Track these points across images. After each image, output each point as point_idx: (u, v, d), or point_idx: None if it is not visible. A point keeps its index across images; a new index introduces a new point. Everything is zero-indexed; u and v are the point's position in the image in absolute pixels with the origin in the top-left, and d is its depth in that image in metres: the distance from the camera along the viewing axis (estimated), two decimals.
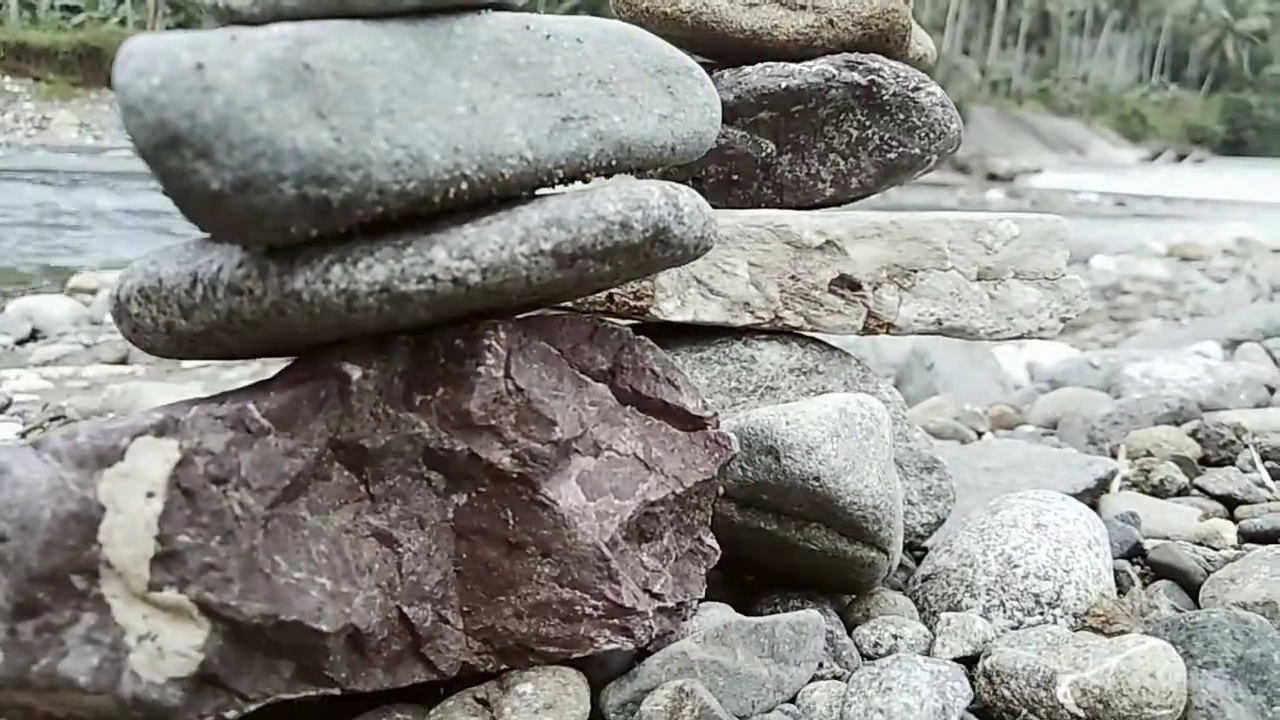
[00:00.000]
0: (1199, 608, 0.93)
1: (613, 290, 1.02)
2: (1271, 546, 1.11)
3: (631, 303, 1.03)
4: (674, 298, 1.03)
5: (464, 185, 0.55)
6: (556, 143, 0.60)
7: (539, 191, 0.65)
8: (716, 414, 0.72)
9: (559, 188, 0.66)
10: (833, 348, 1.09)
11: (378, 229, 0.56)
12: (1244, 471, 1.37)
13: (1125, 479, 1.35)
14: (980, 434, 1.83)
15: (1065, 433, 1.63)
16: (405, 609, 0.65)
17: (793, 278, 1.02)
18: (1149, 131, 38.68)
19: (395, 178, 0.52)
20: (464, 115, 0.55)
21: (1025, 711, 0.70)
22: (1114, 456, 1.47)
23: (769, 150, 1.04)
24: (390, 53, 0.53)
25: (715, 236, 0.69)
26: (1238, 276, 6.98)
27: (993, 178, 26.63)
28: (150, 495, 0.54)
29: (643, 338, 0.73)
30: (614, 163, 0.64)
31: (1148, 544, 1.08)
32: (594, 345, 0.71)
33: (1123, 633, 0.83)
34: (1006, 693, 0.71)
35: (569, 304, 1.02)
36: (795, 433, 0.75)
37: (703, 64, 1.12)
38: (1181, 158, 34.80)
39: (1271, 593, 0.87)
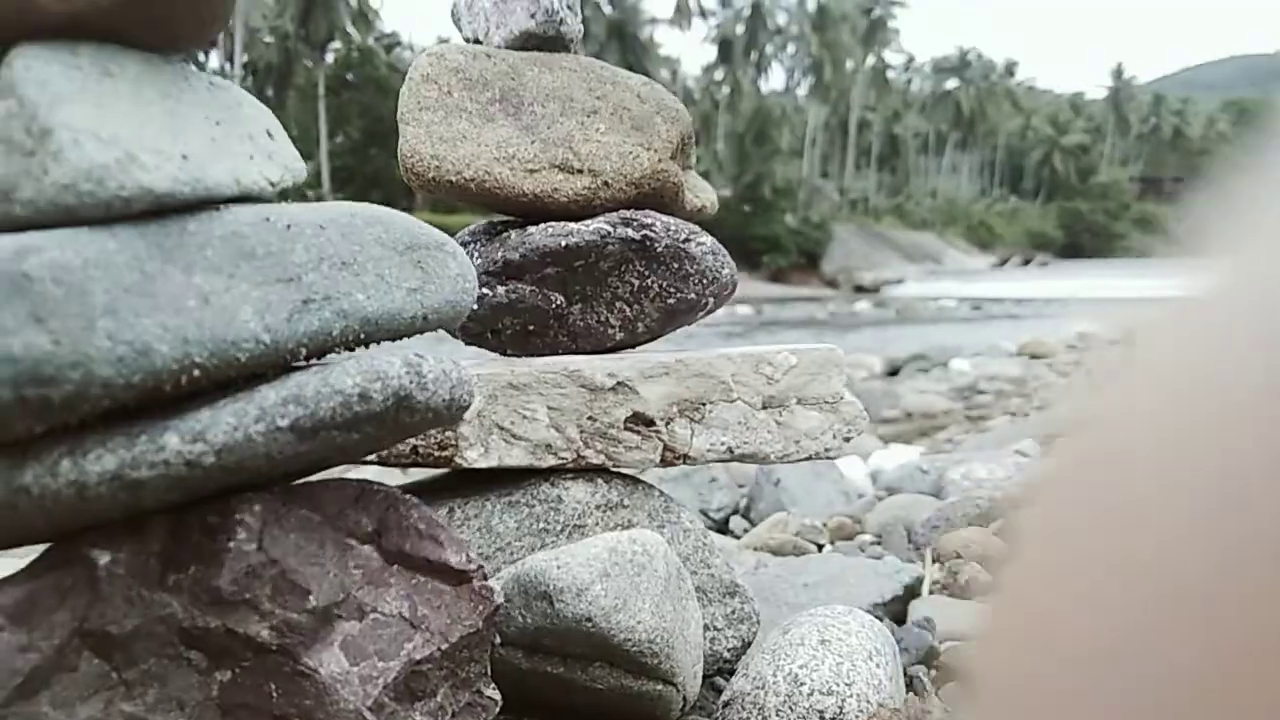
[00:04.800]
0: None
1: (415, 443, 1.06)
2: None
3: (436, 453, 1.06)
4: (477, 445, 1.06)
5: (197, 373, 0.58)
6: (297, 324, 0.64)
7: (295, 365, 0.68)
8: (481, 567, 0.75)
9: (315, 361, 0.69)
10: (637, 481, 1.14)
11: (114, 419, 0.59)
12: None
13: (935, 582, 1.43)
14: (820, 547, 1.90)
15: (889, 540, 1.72)
16: None
17: (590, 418, 1.07)
18: (996, 239, 41.65)
19: (119, 372, 0.55)
20: (195, 308, 0.59)
21: None
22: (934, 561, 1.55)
23: (559, 302, 1.10)
24: (116, 255, 0.56)
25: (470, 396, 0.73)
26: (1079, 370, 7.44)
27: (859, 289, 28.10)
28: None
29: (409, 497, 0.76)
30: (361, 336, 0.69)
31: (943, 646, 1.14)
32: (359, 508, 0.73)
33: None
34: None
35: (376, 459, 1.05)
36: (565, 576, 0.79)
37: (500, 221, 1.19)
38: (1027, 262, 37.49)
39: None
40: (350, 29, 29.56)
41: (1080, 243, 44.92)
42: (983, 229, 42.26)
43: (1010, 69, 54.05)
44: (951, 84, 50.58)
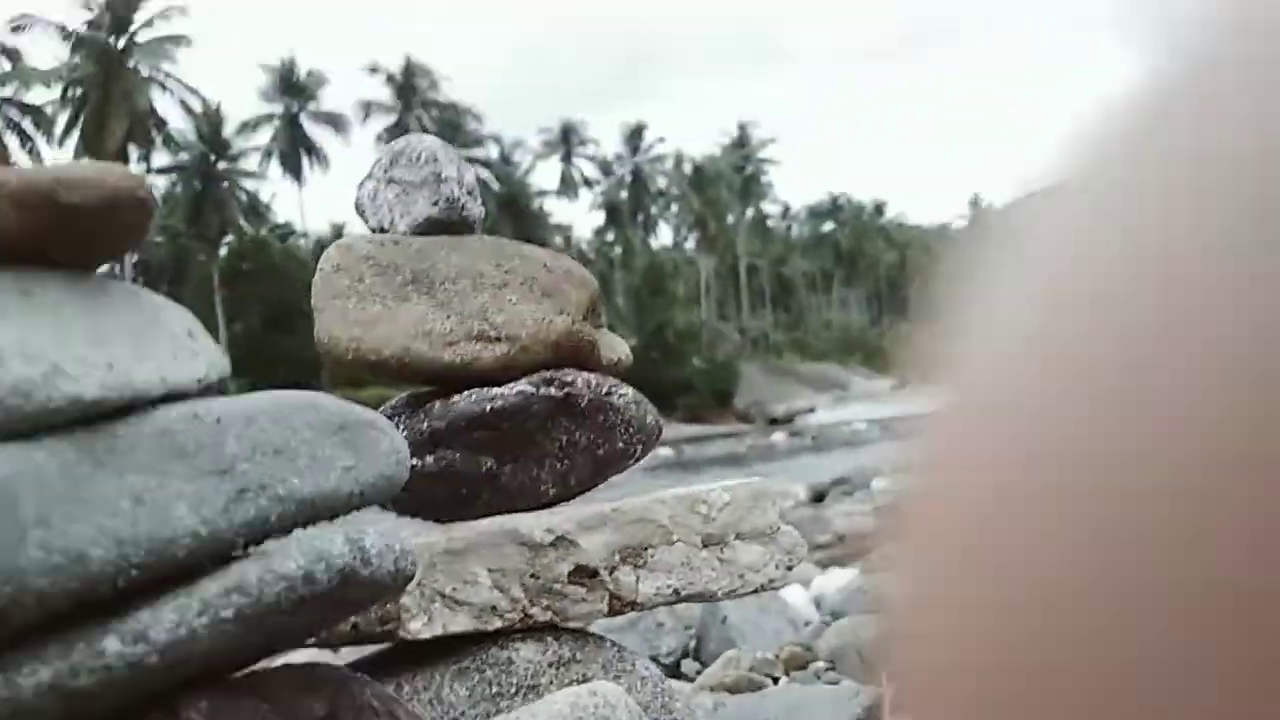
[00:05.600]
0: None
1: (355, 620, 1.03)
2: None
3: (378, 628, 1.04)
4: (420, 615, 1.04)
5: (135, 573, 0.58)
6: (234, 514, 0.64)
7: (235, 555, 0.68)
8: None
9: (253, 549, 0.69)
10: (587, 634, 1.13)
11: (51, 627, 0.57)
12: None
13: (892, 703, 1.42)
14: (776, 680, 1.87)
15: (843, 664, 1.71)
16: None
17: (533, 575, 1.07)
18: (895, 363, 43.10)
19: (54, 581, 0.54)
20: (128, 508, 0.58)
21: None
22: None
23: (489, 464, 1.12)
24: (45, 465, 0.56)
25: (414, 566, 0.73)
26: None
27: (773, 421, 28.56)
28: None
29: (360, 675, 0.74)
30: (299, 519, 0.69)
31: None
32: (309, 693, 0.71)
33: None
34: None
35: (314, 641, 1.02)
36: None
37: (421, 393, 1.21)
38: None
39: None
40: (243, 223, 29.83)
41: None
42: (880, 355, 43.85)
43: (879, 208, 57.69)
44: (828, 226, 53.61)
